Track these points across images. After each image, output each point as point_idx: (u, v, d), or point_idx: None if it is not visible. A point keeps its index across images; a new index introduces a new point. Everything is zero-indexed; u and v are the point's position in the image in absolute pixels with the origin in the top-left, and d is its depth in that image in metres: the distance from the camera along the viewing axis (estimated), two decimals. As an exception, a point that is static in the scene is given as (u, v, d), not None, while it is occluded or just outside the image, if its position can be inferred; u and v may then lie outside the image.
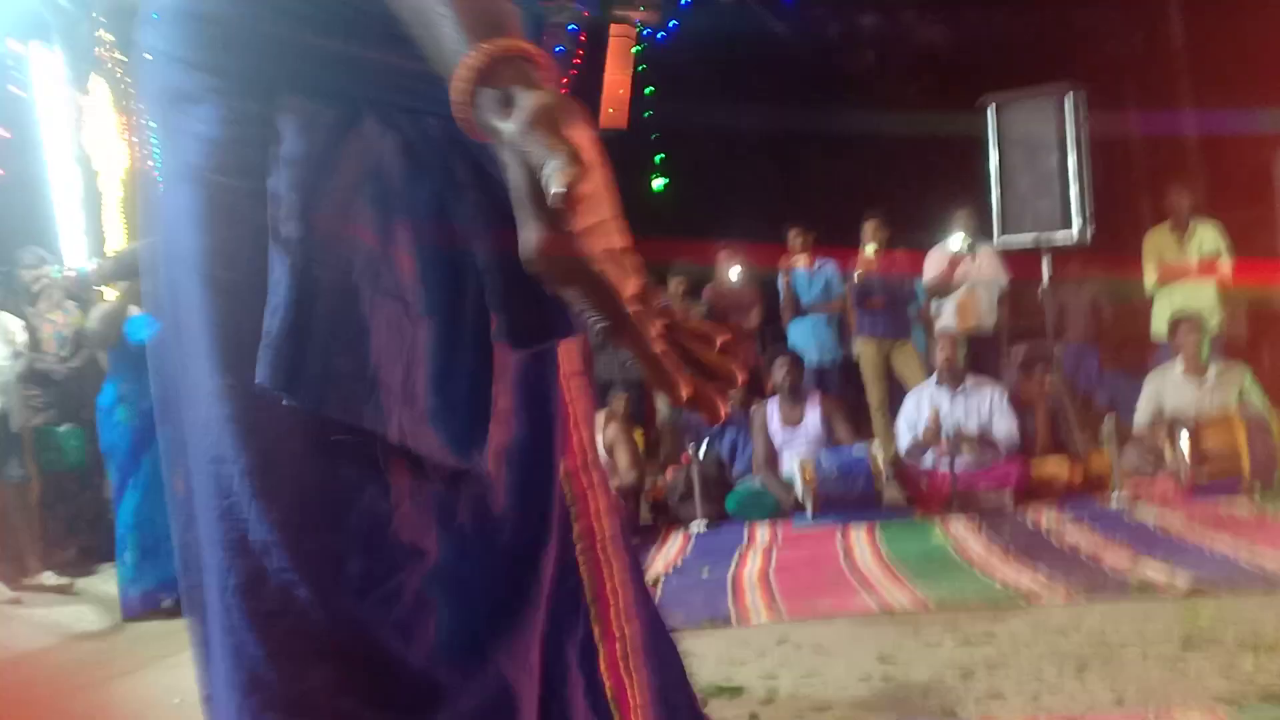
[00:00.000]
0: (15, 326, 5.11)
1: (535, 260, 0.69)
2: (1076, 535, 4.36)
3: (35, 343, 5.17)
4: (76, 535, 5.67)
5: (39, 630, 4.58)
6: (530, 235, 0.69)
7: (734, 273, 7.32)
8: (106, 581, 5.26)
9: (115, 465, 4.92)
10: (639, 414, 6.82)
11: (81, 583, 5.25)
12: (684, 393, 0.71)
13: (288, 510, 0.84)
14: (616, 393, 7.05)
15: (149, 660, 3.91)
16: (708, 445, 5.98)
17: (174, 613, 4.82)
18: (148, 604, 4.79)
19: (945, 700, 2.50)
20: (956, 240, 6.51)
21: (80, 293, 5.83)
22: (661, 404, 6.78)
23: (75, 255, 6.40)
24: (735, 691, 2.72)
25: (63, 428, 5.59)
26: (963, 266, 6.51)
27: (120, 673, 3.78)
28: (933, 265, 6.71)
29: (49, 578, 5.18)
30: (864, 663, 2.87)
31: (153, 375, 1.00)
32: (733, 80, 9.63)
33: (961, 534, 4.64)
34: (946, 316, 6.61)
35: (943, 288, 6.63)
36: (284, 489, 0.85)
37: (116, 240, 6.53)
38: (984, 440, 5.52)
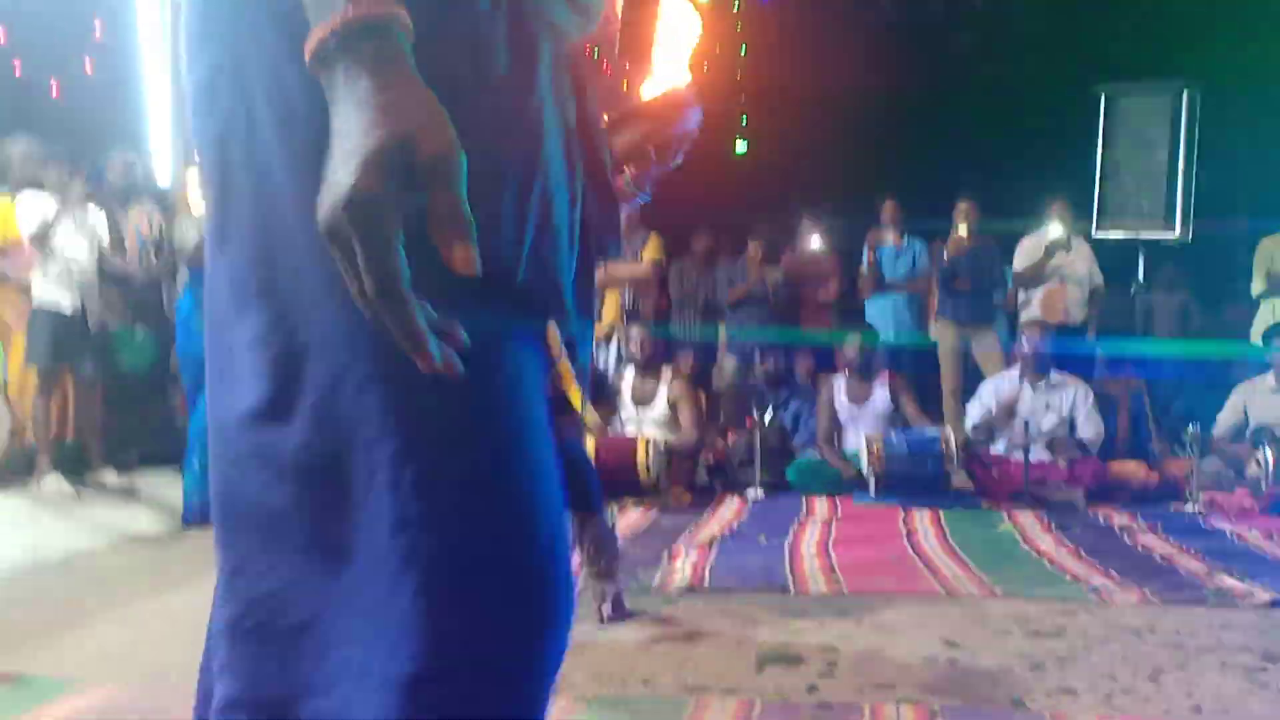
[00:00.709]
0: (100, 225, 5.14)
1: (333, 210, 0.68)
2: (1150, 539, 4.20)
3: (118, 243, 5.20)
4: (140, 439, 5.74)
5: (98, 530, 4.63)
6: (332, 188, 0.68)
7: (815, 242, 7.17)
8: (164, 487, 5.32)
9: (188, 373, 4.97)
10: (704, 375, 6.75)
11: (141, 486, 5.31)
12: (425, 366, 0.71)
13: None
14: (684, 352, 6.99)
15: (205, 569, 3.92)
16: (772, 413, 5.88)
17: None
18: (207, 513, 4.83)
19: (1014, 690, 2.40)
20: (1053, 230, 6.31)
21: (166, 199, 5.87)
22: (728, 367, 6.69)
23: (163, 161, 6.43)
24: (793, 661, 2.65)
25: (137, 331, 5.65)
26: (1057, 258, 6.32)
27: (176, 581, 3.80)
28: (1025, 254, 6.53)
29: (110, 477, 5.24)
30: (928, 644, 2.78)
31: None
32: (830, 47, 9.39)
33: (1030, 526, 4.50)
34: (1034, 307, 6.43)
35: (1034, 278, 6.45)
36: None
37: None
38: (1061, 436, 5.36)
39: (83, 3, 6.54)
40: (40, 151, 5.10)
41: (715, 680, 2.47)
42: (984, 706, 2.27)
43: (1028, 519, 4.64)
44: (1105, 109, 6.44)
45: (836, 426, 5.80)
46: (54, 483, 4.88)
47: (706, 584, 3.50)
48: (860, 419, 5.71)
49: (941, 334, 6.56)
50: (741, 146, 11.15)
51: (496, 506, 0.80)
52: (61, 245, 5.00)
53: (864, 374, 5.84)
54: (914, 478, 5.15)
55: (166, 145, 6.49)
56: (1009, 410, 5.43)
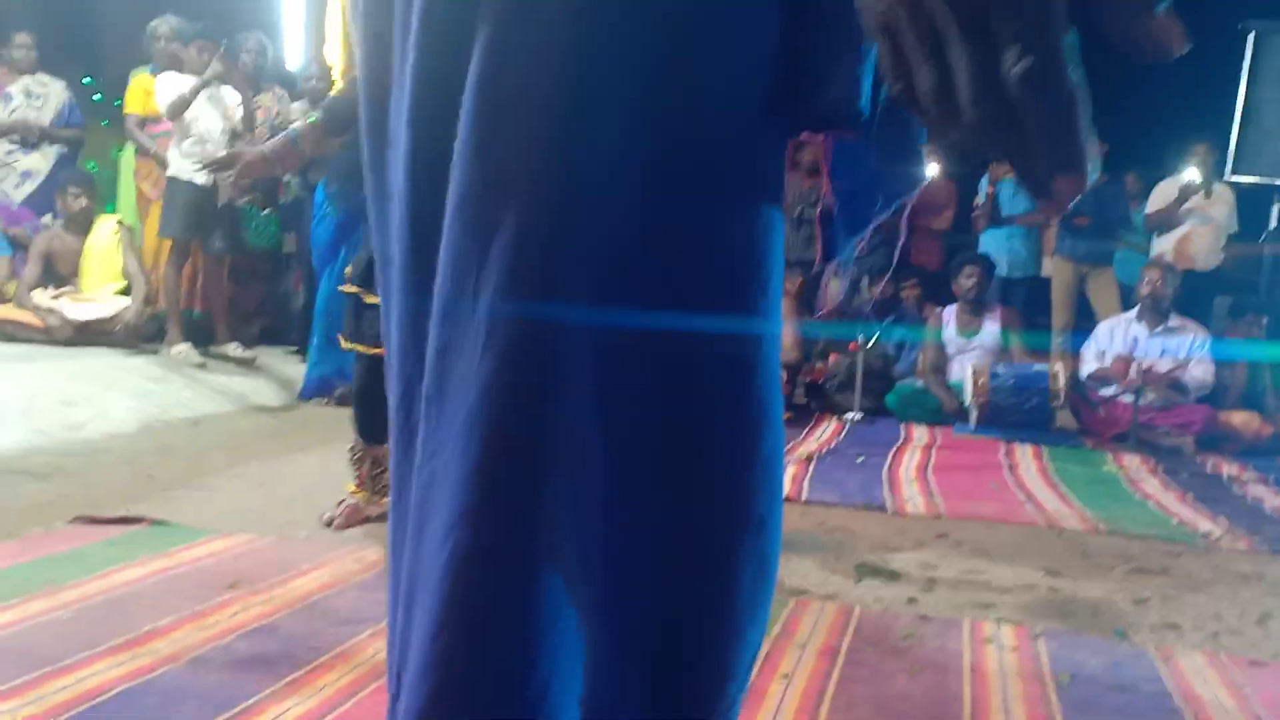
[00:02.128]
0: (233, 103, 5.27)
1: None
2: (1261, 490, 4.11)
3: (249, 124, 5.34)
4: (263, 315, 5.96)
5: (221, 396, 4.86)
6: None
7: (931, 169, 7.02)
8: (281, 363, 5.54)
9: (317, 255, 5.14)
10: (810, 296, 6.72)
11: (261, 361, 5.53)
12: None
13: None
14: (792, 272, 6.95)
15: (324, 440, 4.12)
16: (876, 339, 5.86)
17: (344, 402, 5.07)
18: (323, 389, 5.04)
19: (1116, 621, 2.41)
20: (1189, 173, 6.09)
21: (294, 84, 5.99)
22: (834, 290, 6.63)
23: (295, 45, 6.55)
24: (892, 575, 2.69)
25: (265, 211, 5.83)
26: (1191, 202, 6.10)
27: (299, 448, 3.98)
28: (1159, 197, 6.31)
29: (234, 349, 5.47)
30: (1028, 571, 2.79)
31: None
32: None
33: (1135, 469, 4.44)
34: (1162, 248, 6.24)
35: (1165, 222, 6.24)
36: None
37: (335, 38, 6.64)
38: (1175, 381, 5.24)
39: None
40: (184, 30, 5.24)
41: (812, 586, 2.53)
42: (1086, 633, 2.29)
43: (1133, 462, 4.58)
44: (1255, 47, 6.14)
45: (942, 356, 5.75)
46: (183, 350, 5.12)
47: (803, 497, 3.55)
48: (967, 350, 5.65)
49: (1057, 271, 6.43)
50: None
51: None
52: (195, 120, 5.16)
53: (976, 306, 5.76)
54: (1018, 412, 5.11)
55: (299, 32, 6.59)
56: (1128, 360, 5.32)
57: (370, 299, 2.70)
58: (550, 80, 0.73)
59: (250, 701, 1.63)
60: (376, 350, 2.71)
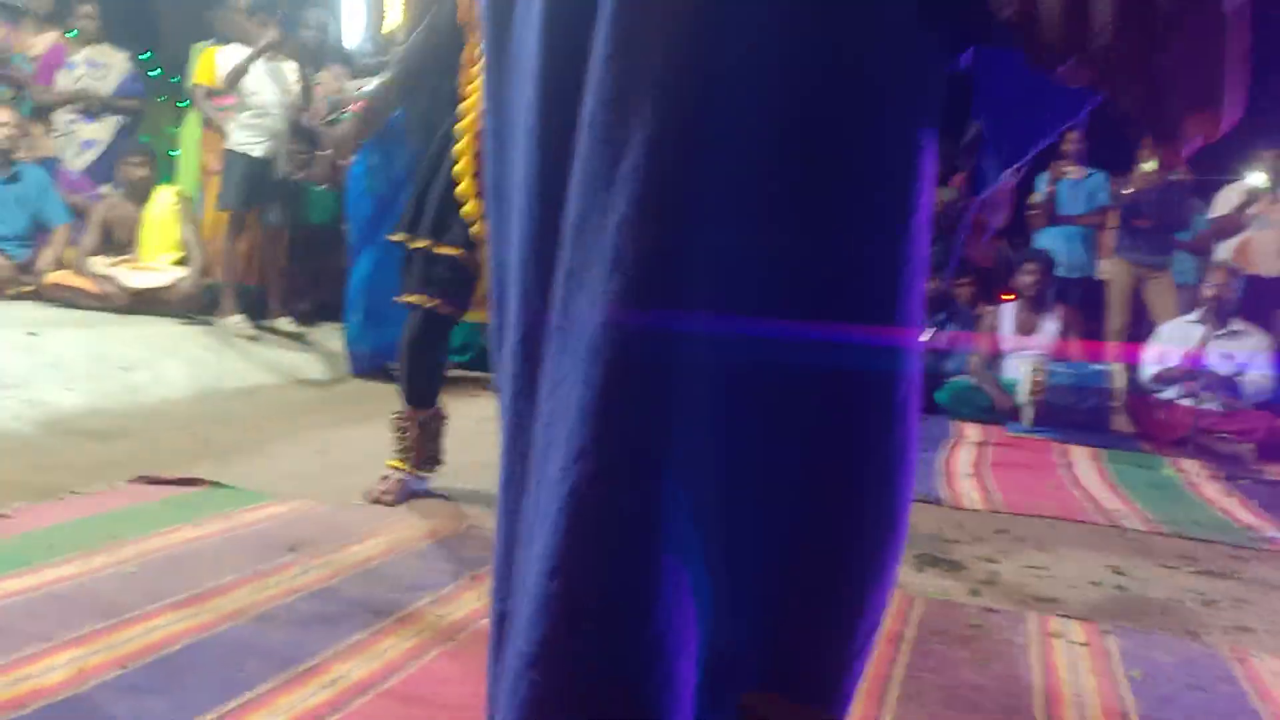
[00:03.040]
0: (292, 77, 5.29)
1: None
2: (1327, 502, 4.01)
3: (307, 99, 5.36)
4: (318, 290, 5.99)
5: (274, 369, 4.89)
6: None
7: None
8: (333, 338, 5.56)
9: (355, 229, 5.15)
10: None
11: (313, 334, 5.56)
12: None
13: None
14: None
15: (374, 414, 4.12)
16: (928, 334, 5.78)
17: (395, 378, 5.08)
18: (374, 362, 5.05)
19: (1187, 622, 2.35)
20: (1255, 178, 5.95)
21: (353, 63, 6.01)
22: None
23: (354, 23, 6.57)
24: (954, 566, 2.64)
25: (322, 186, 5.85)
26: (1258, 205, 5.96)
27: (352, 418, 4.00)
28: (1223, 203, 6.18)
29: (286, 323, 5.50)
30: (1093, 569, 2.73)
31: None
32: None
33: (1195, 473, 4.35)
34: (1225, 251, 6.10)
35: (1230, 226, 6.10)
36: None
37: (394, 16, 6.67)
38: (1235, 387, 5.13)
39: None
40: (252, 3, 5.27)
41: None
42: (1157, 632, 2.23)
43: (1192, 467, 4.48)
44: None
45: (995, 354, 5.67)
46: (237, 322, 5.15)
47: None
48: (1023, 350, 5.56)
49: (1115, 272, 6.31)
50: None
51: None
52: (254, 92, 5.18)
53: (1035, 304, 5.67)
54: (1075, 412, 5.02)
55: (359, 11, 6.62)
56: (1190, 365, 5.21)
57: (417, 244, 2.66)
58: None
59: (314, 661, 1.62)
60: (432, 303, 2.68)
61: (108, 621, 1.69)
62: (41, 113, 5.93)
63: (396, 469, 2.80)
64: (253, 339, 5.14)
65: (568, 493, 0.71)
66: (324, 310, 5.95)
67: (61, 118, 5.92)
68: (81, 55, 5.97)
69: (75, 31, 6.04)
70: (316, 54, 5.78)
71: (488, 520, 2.63)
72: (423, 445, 2.81)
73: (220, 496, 2.62)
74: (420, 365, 2.77)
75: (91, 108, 5.92)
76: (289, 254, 5.74)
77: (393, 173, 5.01)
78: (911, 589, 2.40)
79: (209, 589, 1.90)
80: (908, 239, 0.78)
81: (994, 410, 5.41)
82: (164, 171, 6.20)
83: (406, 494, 2.78)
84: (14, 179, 5.21)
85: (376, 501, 2.72)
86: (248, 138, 5.21)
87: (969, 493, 3.59)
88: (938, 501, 3.43)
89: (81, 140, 5.93)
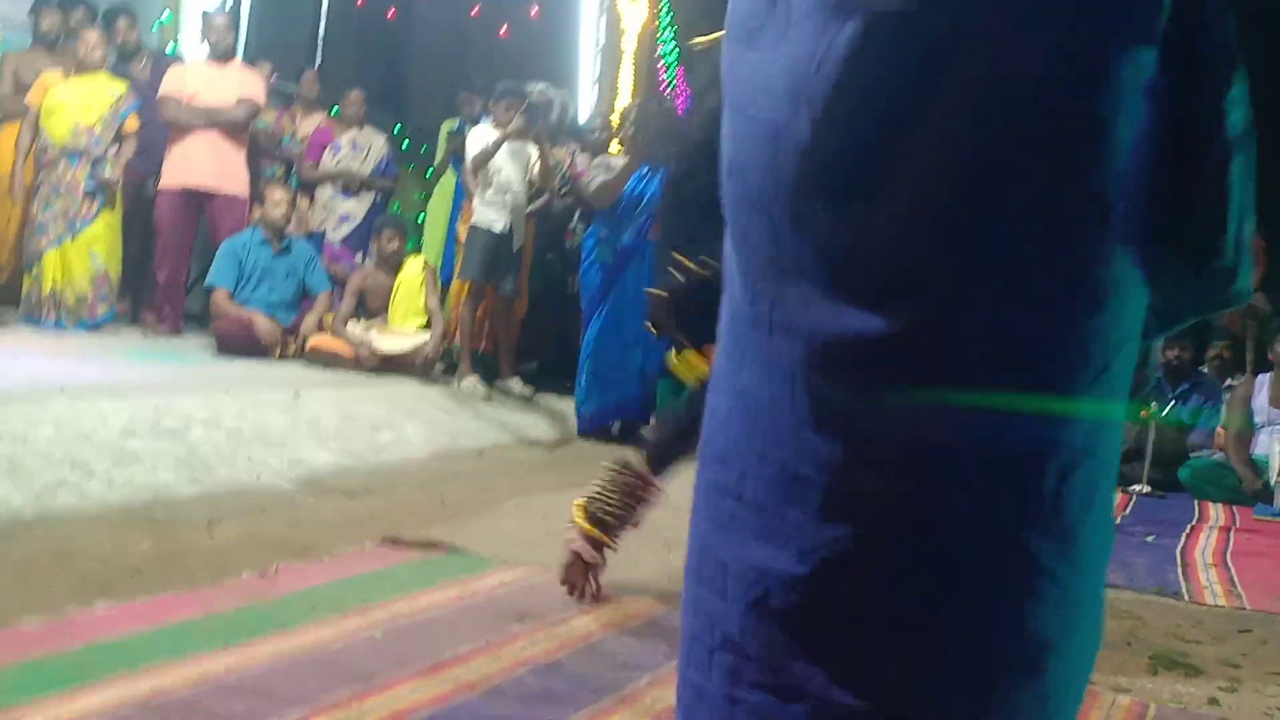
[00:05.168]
0: (533, 155, 5.61)
1: None
2: None
3: (547, 175, 5.67)
4: (544, 352, 6.29)
5: (504, 429, 5.15)
6: None
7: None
8: (559, 399, 5.81)
9: (586, 297, 5.40)
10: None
11: (539, 396, 5.83)
12: None
13: None
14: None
15: (588, 479, 4.28)
16: (1170, 406, 5.47)
17: (618, 440, 5.27)
18: (598, 422, 5.25)
19: None
20: None
21: (585, 138, 6.31)
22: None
23: (588, 101, 6.91)
24: (1191, 670, 2.50)
25: (550, 255, 6.17)
26: None
27: (575, 482, 4.15)
28: None
29: (516, 385, 5.79)
30: (1352, 681, 2.52)
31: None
32: None
33: None
34: None
35: None
36: None
37: (626, 95, 6.98)
38: None
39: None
40: (501, 89, 5.63)
41: (1106, 676, 2.39)
42: None
43: None
44: None
45: (1248, 428, 5.29)
46: (472, 384, 5.48)
47: (1087, 575, 3.35)
48: (1278, 424, 5.18)
49: (1389, 341, 5.77)
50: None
51: None
52: (499, 170, 5.53)
53: (1295, 375, 5.27)
54: (1332, 497, 4.62)
55: (590, 88, 6.97)
56: None
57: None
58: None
59: (539, 736, 1.72)
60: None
61: (359, 687, 1.86)
62: (307, 188, 6.55)
63: (590, 533, 2.61)
64: (486, 399, 5.44)
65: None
66: (552, 371, 6.24)
67: (324, 193, 6.51)
68: (346, 137, 6.56)
69: (336, 110, 6.66)
70: (555, 132, 6.12)
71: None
72: (631, 515, 2.65)
73: (456, 562, 2.81)
74: (685, 431, 2.53)
75: (351, 185, 6.48)
76: (519, 318, 6.06)
77: (619, 244, 5.25)
78: (1145, 694, 2.30)
79: (447, 658, 2.05)
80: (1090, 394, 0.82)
81: (1241, 491, 5.05)
82: (411, 235, 6.69)
83: (584, 576, 2.59)
84: (285, 251, 5.76)
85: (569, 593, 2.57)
86: (490, 214, 5.56)
87: (1211, 585, 3.38)
88: (1176, 595, 3.25)
89: (340, 214, 6.50)
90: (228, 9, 6.76)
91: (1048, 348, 0.82)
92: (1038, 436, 0.82)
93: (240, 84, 6.00)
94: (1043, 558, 0.82)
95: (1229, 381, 5.71)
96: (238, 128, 5.94)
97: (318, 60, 8.15)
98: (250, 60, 6.54)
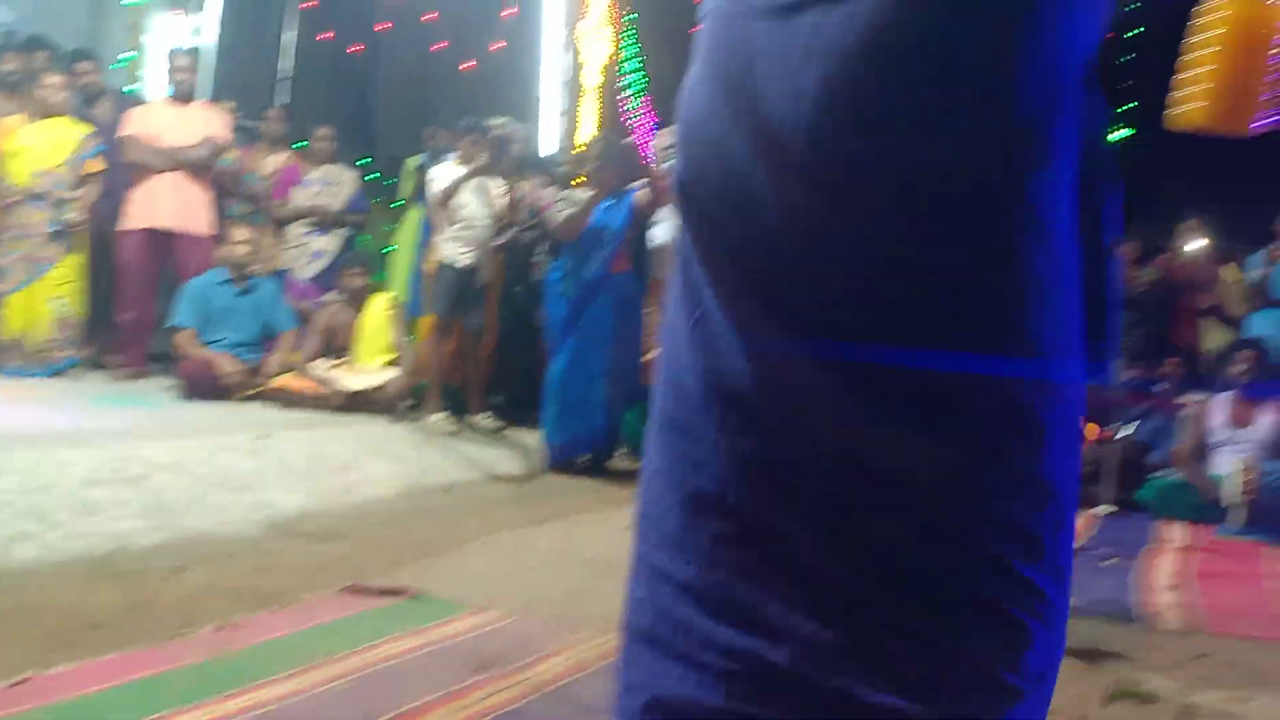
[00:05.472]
0: (498, 191, 5.65)
1: None
2: None
3: (514, 210, 5.71)
4: (511, 386, 6.30)
5: (473, 464, 5.16)
6: None
7: (1196, 246, 6.63)
8: (526, 433, 5.82)
9: (552, 331, 5.44)
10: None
11: (508, 430, 5.84)
12: None
13: None
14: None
15: (564, 511, 4.33)
16: (1131, 427, 5.56)
17: (585, 472, 5.29)
18: (567, 455, 5.28)
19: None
20: None
21: (550, 171, 6.36)
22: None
23: (551, 135, 6.97)
24: (1147, 699, 2.54)
25: (517, 288, 6.20)
26: None
27: (542, 518, 4.19)
28: None
29: (484, 420, 5.80)
30: (1303, 703, 2.58)
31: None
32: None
33: None
34: None
35: None
36: None
37: (589, 128, 7.05)
38: None
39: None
40: (465, 124, 5.68)
41: (1059, 707, 2.42)
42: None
43: None
44: None
45: (1203, 448, 5.37)
46: (440, 420, 5.49)
47: (1048, 600, 3.40)
48: (1237, 443, 5.25)
49: (1341, 358, 5.89)
50: (1120, 134, 10.42)
51: None
52: (463, 206, 5.57)
53: (1252, 394, 5.35)
54: (1291, 515, 4.70)
55: (554, 121, 7.03)
56: None
57: None
58: None
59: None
60: None
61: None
62: (277, 226, 6.56)
63: None
64: (454, 435, 5.45)
65: None
66: (519, 405, 6.24)
67: (295, 230, 6.53)
68: (317, 173, 6.60)
69: (303, 144, 6.69)
70: (520, 165, 6.16)
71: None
72: None
73: (421, 608, 2.82)
74: None
75: (324, 222, 6.50)
76: (486, 353, 6.07)
77: (584, 276, 5.29)
78: (1098, 725, 2.34)
79: (408, 709, 2.06)
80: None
81: (1204, 508, 5.12)
82: (380, 270, 6.71)
83: None
84: (249, 290, 5.76)
85: None
86: (456, 249, 5.58)
87: (1170, 608, 3.43)
88: (1135, 620, 3.30)
89: (312, 251, 6.52)
90: (190, 48, 6.78)
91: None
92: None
93: (203, 123, 6.02)
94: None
95: (1182, 399, 5.79)
96: (201, 167, 5.95)
97: (282, 97, 8.18)
98: (214, 99, 6.56)
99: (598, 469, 5.38)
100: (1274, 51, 1.10)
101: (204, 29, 7.92)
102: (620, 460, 5.66)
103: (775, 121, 0.85)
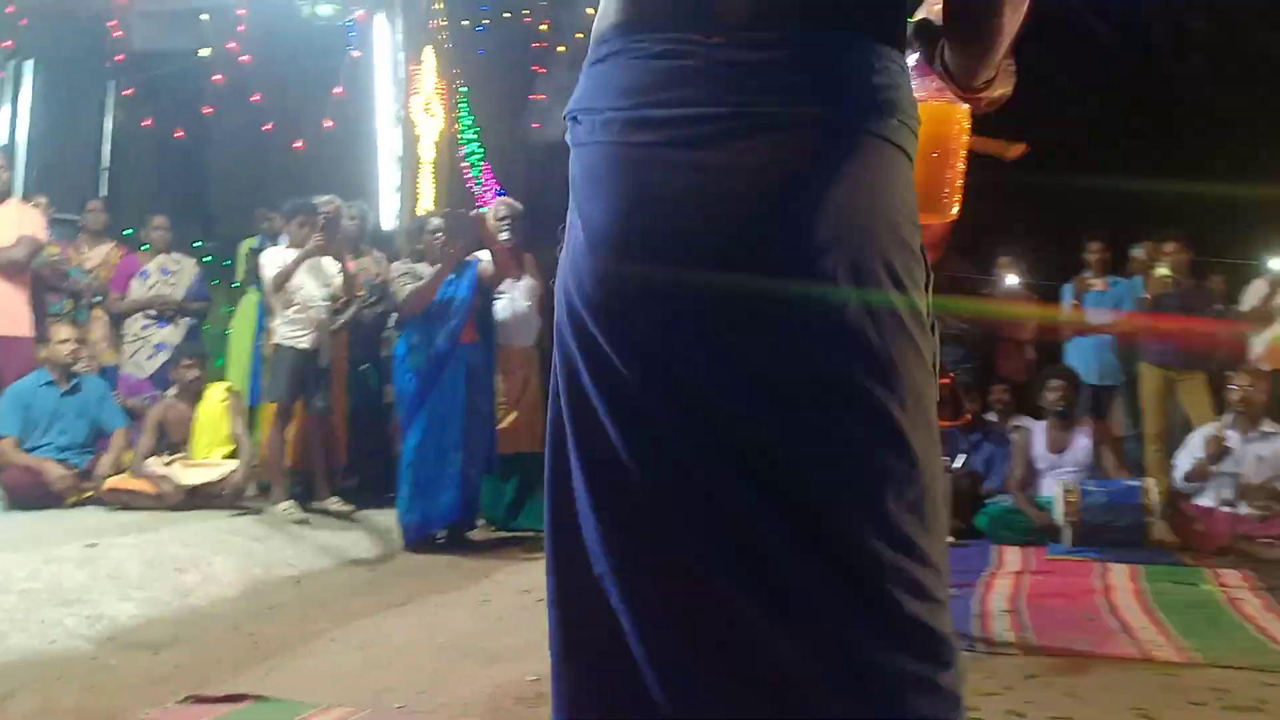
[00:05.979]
0: (333, 270, 5.59)
1: None
2: (1374, 608, 3.96)
3: (351, 288, 5.66)
4: (361, 467, 6.19)
5: (323, 552, 5.04)
6: None
7: (1010, 281, 7.04)
8: (381, 513, 5.73)
9: (402, 407, 5.39)
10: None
11: (361, 513, 5.73)
12: None
13: None
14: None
15: (415, 595, 4.27)
16: (964, 457, 5.82)
17: (444, 548, 5.24)
18: (423, 532, 5.21)
19: (1207, 770, 2.36)
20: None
21: (389, 247, 6.34)
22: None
23: (389, 209, 6.97)
24: (975, 723, 2.67)
25: (363, 366, 6.12)
26: (1281, 299, 6.00)
27: (393, 603, 4.12)
28: (1253, 295, 6.21)
29: (334, 504, 5.67)
30: (1118, 713, 2.75)
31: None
32: (1033, 78, 9.13)
33: (1235, 586, 4.31)
34: (1255, 351, 6.11)
35: (1260, 319, 6.12)
36: None
37: (426, 201, 7.07)
38: (1272, 490, 5.10)
39: (328, 66, 7.16)
40: (290, 207, 5.62)
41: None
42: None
43: (1233, 579, 4.44)
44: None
45: (1031, 474, 5.68)
46: (286, 508, 5.34)
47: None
48: (1058, 467, 5.57)
49: (1146, 378, 6.33)
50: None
51: None
52: (299, 288, 5.48)
53: (1065, 420, 5.69)
54: (1111, 530, 5.01)
55: (392, 195, 7.04)
56: (1214, 457, 5.21)
57: None
58: None
59: None
60: None
61: None
62: (116, 321, 6.35)
63: None
64: (303, 523, 5.31)
65: None
66: (372, 484, 6.14)
67: (135, 324, 6.32)
68: (155, 263, 6.44)
69: (148, 245, 6.53)
70: (356, 242, 6.11)
71: None
72: None
73: (264, 713, 2.75)
74: None
75: (165, 312, 6.32)
76: (334, 435, 5.96)
77: (432, 349, 5.28)
78: (931, 755, 2.44)
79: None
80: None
81: (1035, 531, 5.40)
82: (218, 350, 6.54)
83: None
84: (75, 390, 5.54)
85: None
86: (294, 332, 5.47)
87: (1002, 632, 3.61)
88: (971, 647, 3.44)
89: (155, 344, 6.33)
90: (2, 146, 6.54)
91: None
92: None
93: (18, 222, 5.79)
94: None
95: (1010, 425, 6.11)
96: (18, 267, 5.72)
97: (103, 188, 7.94)
98: (31, 193, 6.34)
99: (456, 543, 5.33)
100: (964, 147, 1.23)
101: (17, 123, 7.65)
102: (479, 532, 5.63)
103: None
